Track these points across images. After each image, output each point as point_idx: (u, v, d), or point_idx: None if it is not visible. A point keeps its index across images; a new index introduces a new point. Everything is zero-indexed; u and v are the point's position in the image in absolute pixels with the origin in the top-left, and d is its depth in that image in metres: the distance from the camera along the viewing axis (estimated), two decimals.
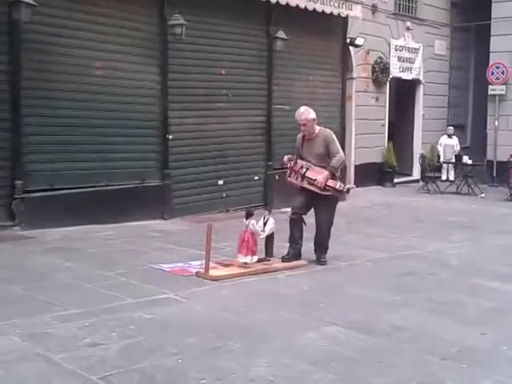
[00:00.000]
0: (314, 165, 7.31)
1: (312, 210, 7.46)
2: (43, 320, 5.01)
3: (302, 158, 7.43)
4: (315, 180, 7.17)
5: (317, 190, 7.20)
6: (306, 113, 7.35)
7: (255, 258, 6.90)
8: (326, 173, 7.19)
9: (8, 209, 8.48)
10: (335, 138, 7.48)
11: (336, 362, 4.39)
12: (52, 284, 6.15)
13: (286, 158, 7.59)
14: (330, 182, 7.20)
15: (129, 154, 9.85)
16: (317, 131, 7.41)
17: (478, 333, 5.16)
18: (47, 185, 8.83)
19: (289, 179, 7.49)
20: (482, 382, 4.20)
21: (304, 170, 7.29)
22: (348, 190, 7.38)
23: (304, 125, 7.35)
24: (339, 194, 7.35)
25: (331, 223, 7.45)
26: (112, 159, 9.62)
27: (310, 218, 7.50)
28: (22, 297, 5.69)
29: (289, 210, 7.60)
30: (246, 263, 6.84)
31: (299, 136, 7.54)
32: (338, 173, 7.41)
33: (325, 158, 7.31)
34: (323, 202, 7.31)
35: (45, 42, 8.72)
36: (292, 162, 7.43)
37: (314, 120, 7.37)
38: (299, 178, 7.35)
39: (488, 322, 5.50)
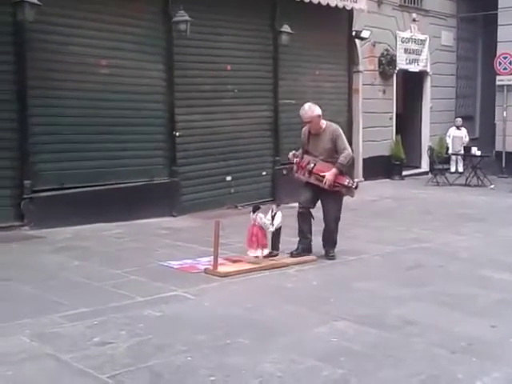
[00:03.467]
0: (322, 160, 7.26)
1: (319, 205, 7.44)
2: (52, 319, 5.02)
3: (309, 153, 7.39)
4: (323, 177, 7.14)
5: (325, 187, 7.17)
6: (310, 111, 7.26)
7: (266, 251, 6.90)
8: (333, 170, 7.13)
9: (17, 209, 8.52)
10: (342, 134, 7.41)
11: (345, 357, 4.37)
12: (61, 283, 6.17)
13: (290, 154, 7.56)
14: (339, 179, 7.17)
15: (136, 152, 9.87)
16: (323, 126, 7.33)
17: (488, 325, 5.13)
18: (55, 184, 8.85)
19: (296, 175, 7.46)
20: (492, 375, 4.17)
21: (311, 165, 7.24)
22: (356, 186, 7.33)
23: (309, 122, 7.29)
24: (347, 190, 7.30)
25: (339, 218, 7.41)
26: (119, 157, 9.64)
27: (317, 212, 7.48)
28: (31, 296, 5.72)
29: (297, 204, 7.56)
30: (257, 257, 6.84)
31: (305, 129, 7.45)
32: (345, 169, 7.36)
33: (332, 153, 7.25)
34: (329, 197, 7.27)
35: (50, 42, 8.74)
36: (298, 158, 7.40)
37: (319, 116, 7.29)
38: (306, 174, 7.31)
39: (498, 314, 5.47)
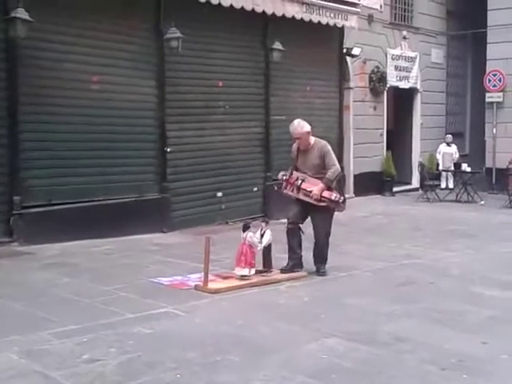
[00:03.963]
0: (310, 176, 7.29)
1: (309, 220, 7.45)
2: (41, 336, 4.98)
3: (298, 169, 7.43)
4: (311, 192, 7.16)
5: (313, 202, 7.19)
6: (300, 127, 7.33)
7: (253, 271, 6.86)
8: (320, 185, 7.18)
9: (6, 225, 8.46)
10: (330, 150, 7.46)
11: (336, 374, 4.36)
12: (50, 300, 6.13)
13: (280, 175, 7.59)
14: (326, 193, 7.19)
15: (127, 168, 9.85)
16: (312, 142, 7.39)
17: (479, 342, 5.13)
18: (45, 200, 8.81)
19: (285, 191, 7.48)
20: None
21: (299, 181, 7.28)
22: (344, 200, 7.35)
23: (299, 138, 7.34)
24: (335, 205, 7.32)
25: (329, 234, 7.43)
26: (110, 173, 9.61)
27: (308, 228, 7.48)
28: (20, 313, 5.67)
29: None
30: (244, 276, 6.80)
31: (294, 146, 7.53)
32: (334, 184, 7.37)
33: (321, 169, 7.29)
34: (319, 213, 7.29)
35: (42, 58, 8.73)
36: (287, 175, 7.43)
37: (308, 133, 7.35)
38: (295, 190, 7.34)
39: (489, 330, 5.47)
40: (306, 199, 7.25)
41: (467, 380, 4.35)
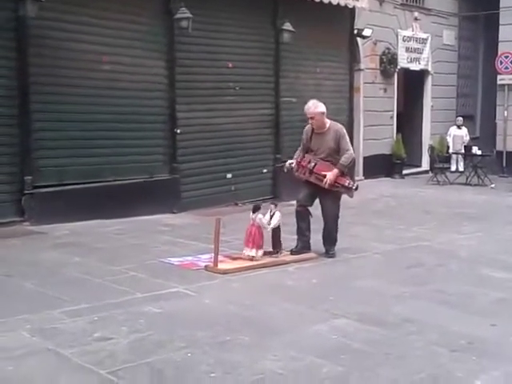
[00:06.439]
0: (322, 159, 7.26)
1: (317, 202, 7.45)
2: (53, 315, 5.03)
3: (310, 151, 7.40)
4: (324, 176, 7.14)
5: (325, 186, 7.18)
6: (314, 106, 7.29)
7: (260, 252, 6.89)
8: (335, 170, 7.14)
9: (17, 204, 8.52)
10: (346, 134, 7.41)
11: (345, 355, 4.38)
12: (61, 279, 6.18)
13: (288, 163, 7.50)
14: (339, 179, 7.17)
15: (137, 149, 9.88)
16: (327, 125, 7.34)
17: (488, 324, 5.14)
18: (56, 180, 8.86)
19: (296, 174, 7.45)
20: (492, 374, 4.18)
21: (312, 164, 7.25)
22: (356, 187, 7.33)
23: (312, 118, 7.29)
24: (347, 191, 7.31)
25: (338, 216, 7.42)
26: (120, 154, 9.65)
27: (316, 210, 7.49)
28: (31, 292, 5.73)
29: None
30: (252, 256, 6.84)
31: (308, 128, 7.46)
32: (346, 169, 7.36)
33: (334, 153, 7.25)
34: (328, 196, 7.28)
35: (52, 38, 8.74)
36: (299, 158, 7.40)
37: (322, 113, 7.30)
38: (307, 173, 7.31)
39: (497, 313, 5.48)
40: (318, 183, 7.23)
41: (476, 362, 4.36)
